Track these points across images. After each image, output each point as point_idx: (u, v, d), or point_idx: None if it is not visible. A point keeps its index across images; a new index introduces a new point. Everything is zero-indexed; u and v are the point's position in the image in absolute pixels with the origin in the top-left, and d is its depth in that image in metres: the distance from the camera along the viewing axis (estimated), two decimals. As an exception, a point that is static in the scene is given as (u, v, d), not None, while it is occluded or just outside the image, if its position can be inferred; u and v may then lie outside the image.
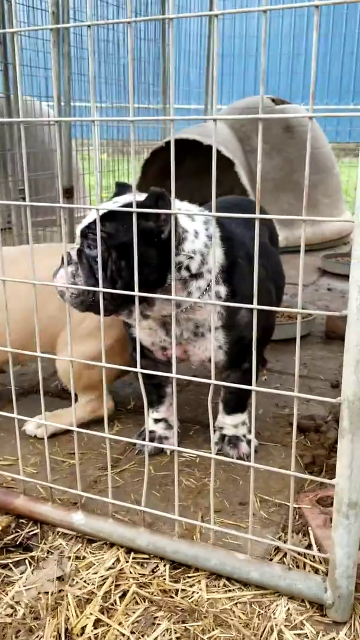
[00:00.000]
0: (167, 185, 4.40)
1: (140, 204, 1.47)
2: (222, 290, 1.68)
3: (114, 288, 1.53)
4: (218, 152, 4.30)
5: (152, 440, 1.94)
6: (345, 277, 4.31)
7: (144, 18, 1.10)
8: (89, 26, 1.22)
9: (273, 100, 4.99)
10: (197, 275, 1.62)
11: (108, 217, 1.54)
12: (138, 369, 1.38)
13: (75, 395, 1.96)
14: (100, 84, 5.01)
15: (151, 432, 1.96)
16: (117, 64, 5.23)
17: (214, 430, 1.93)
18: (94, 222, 1.55)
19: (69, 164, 4.13)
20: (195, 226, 1.62)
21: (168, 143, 4.41)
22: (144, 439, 1.92)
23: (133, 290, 1.31)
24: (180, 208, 1.64)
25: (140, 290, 1.48)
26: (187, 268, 1.60)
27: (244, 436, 1.92)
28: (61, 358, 1.68)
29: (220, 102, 7.39)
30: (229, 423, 1.92)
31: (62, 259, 1.58)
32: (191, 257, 1.59)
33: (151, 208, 1.44)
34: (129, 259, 1.51)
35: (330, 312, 1.14)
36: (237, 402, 1.89)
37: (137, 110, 5.50)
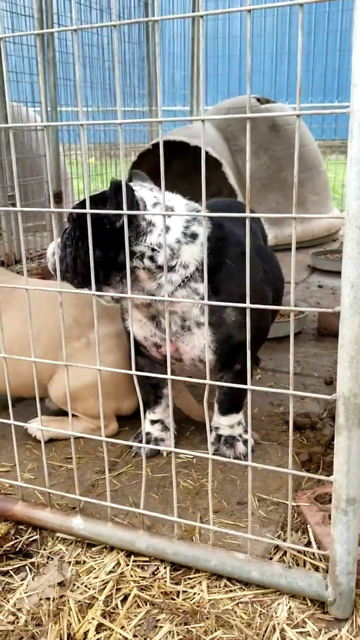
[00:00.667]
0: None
1: (101, 195, 1.62)
2: (200, 287, 1.70)
3: (75, 265, 1.70)
4: (205, 152, 4.30)
5: (148, 442, 1.94)
6: (336, 273, 4.33)
7: (129, 21, 1.11)
8: (74, 30, 1.22)
9: (258, 100, 5.00)
10: (168, 268, 1.66)
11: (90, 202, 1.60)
12: (133, 372, 1.38)
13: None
14: (85, 88, 5.01)
15: (147, 434, 1.96)
16: (102, 68, 5.23)
17: (210, 430, 1.93)
18: (76, 205, 1.74)
19: (57, 168, 4.13)
20: (170, 222, 1.67)
21: (155, 145, 4.41)
22: (140, 441, 1.92)
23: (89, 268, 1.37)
24: (173, 207, 1.69)
25: (98, 272, 1.59)
26: (151, 259, 1.65)
27: (240, 436, 1.92)
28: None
29: (205, 103, 7.40)
30: (225, 424, 1.92)
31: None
32: (154, 250, 1.64)
33: (111, 198, 1.58)
34: (86, 242, 1.59)
35: (323, 309, 1.15)
36: (231, 403, 1.89)
37: (123, 113, 5.49)
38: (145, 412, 1.94)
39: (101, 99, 5.34)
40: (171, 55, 6.60)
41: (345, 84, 10.73)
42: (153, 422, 1.97)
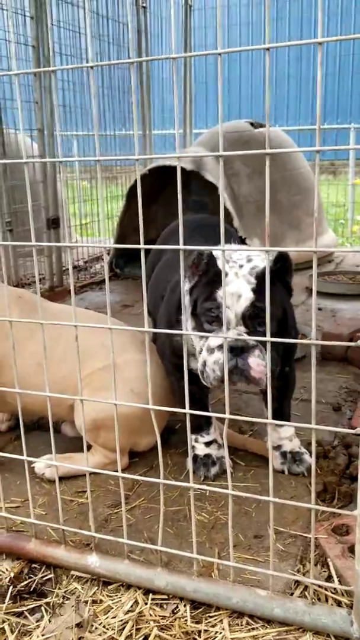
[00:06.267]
0: (151, 210, 4.41)
1: None
2: None
3: None
4: (201, 177, 4.33)
5: (213, 463, 1.95)
6: (334, 295, 4.32)
7: (147, 58, 1.11)
8: (91, 67, 1.22)
9: (252, 124, 5.05)
10: None
11: None
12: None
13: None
14: (77, 114, 5.05)
15: (207, 456, 1.96)
16: (97, 94, 5.26)
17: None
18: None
19: (54, 194, 4.13)
20: None
21: (151, 170, 4.44)
22: (202, 465, 1.95)
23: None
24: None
25: None
26: None
27: (300, 447, 1.96)
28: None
29: (196, 126, 7.47)
30: (285, 437, 1.95)
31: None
32: None
33: None
34: None
35: (348, 343, 1.14)
36: (280, 409, 1.94)
37: (115, 138, 5.52)
38: (197, 435, 1.96)
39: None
40: (162, 80, 6.66)
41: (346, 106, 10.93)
42: (208, 443, 1.97)
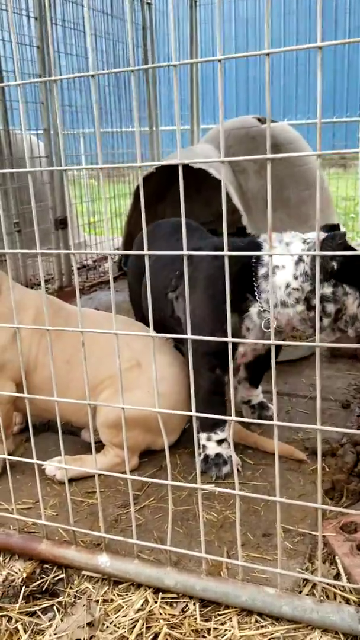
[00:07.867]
0: (158, 210, 4.40)
1: None
2: None
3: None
4: (208, 174, 4.33)
5: (224, 463, 1.97)
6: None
7: (147, 66, 1.12)
8: (92, 76, 1.24)
9: (259, 120, 5.04)
10: None
11: None
12: (157, 409, 1.38)
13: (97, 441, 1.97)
14: (83, 112, 5.06)
15: (218, 455, 1.98)
16: (102, 93, 5.28)
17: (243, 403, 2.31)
18: None
19: (61, 194, 4.15)
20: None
21: (158, 169, 4.44)
22: (213, 465, 1.97)
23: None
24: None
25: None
26: None
27: (264, 399, 2.31)
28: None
29: (204, 121, 7.47)
30: (257, 394, 2.30)
31: None
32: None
33: None
34: None
35: (356, 345, 1.15)
36: (260, 377, 2.27)
37: (123, 134, 5.53)
38: (211, 432, 1.98)
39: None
40: (169, 73, 6.66)
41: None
42: (220, 441, 1.98)
